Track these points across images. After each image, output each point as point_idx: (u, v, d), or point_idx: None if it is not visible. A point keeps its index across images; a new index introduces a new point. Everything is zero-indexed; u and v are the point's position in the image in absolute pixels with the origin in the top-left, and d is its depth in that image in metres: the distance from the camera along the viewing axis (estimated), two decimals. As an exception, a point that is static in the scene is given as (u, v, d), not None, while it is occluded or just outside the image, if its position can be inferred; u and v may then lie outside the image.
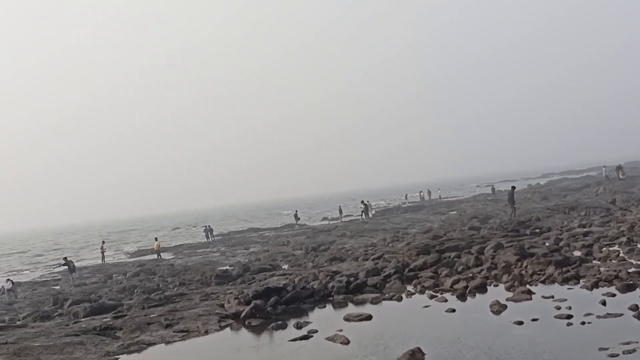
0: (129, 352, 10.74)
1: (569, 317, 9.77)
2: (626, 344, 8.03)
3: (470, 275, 14.51)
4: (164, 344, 11.16)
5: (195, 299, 15.89)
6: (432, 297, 12.86)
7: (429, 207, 55.70)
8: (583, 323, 9.38)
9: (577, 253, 15.82)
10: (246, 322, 12.26)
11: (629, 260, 13.99)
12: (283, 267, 24.28)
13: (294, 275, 18.29)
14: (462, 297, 12.56)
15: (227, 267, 25.69)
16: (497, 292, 12.53)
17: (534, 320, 9.86)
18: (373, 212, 55.43)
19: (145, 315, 13.49)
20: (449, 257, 17.01)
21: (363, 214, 48.34)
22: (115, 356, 10.54)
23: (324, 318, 12.13)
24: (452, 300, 12.36)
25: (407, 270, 16.00)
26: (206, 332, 11.71)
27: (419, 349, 8.57)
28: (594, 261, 14.59)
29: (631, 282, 11.59)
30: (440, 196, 73.51)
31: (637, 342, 8.04)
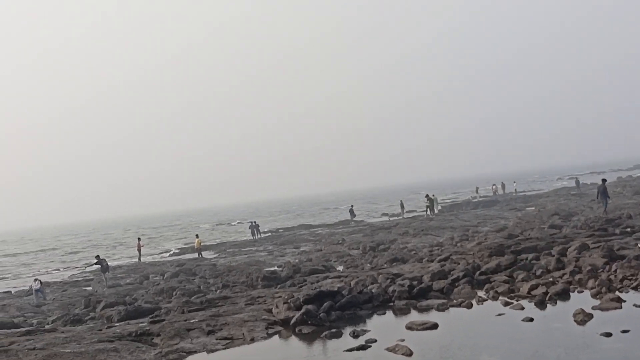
0: (168, 361, 10.97)
1: (668, 329, 9.45)
2: None
3: (551, 279, 14.21)
4: (205, 352, 11.33)
5: (240, 303, 16.13)
6: (506, 304, 12.66)
7: (503, 202, 55.34)
8: (684, 336, 9.06)
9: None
10: (296, 330, 12.33)
11: None
12: (338, 268, 24.43)
13: (350, 277, 18.34)
14: (541, 304, 12.29)
15: (275, 268, 26.05)
16: (582, 300, 12.21)
17: (624, 331, 9.55)
18: (439, 207, 55.16)
19: (185, 321, 13.72)
20: (526, 259, 16.72)
21: (428, 209, 48.20)
22: (153, 365, 10.79)
23: (384, 326, 12.09)
24: (530, 307, 12.12)
25: (477, 273, 15.81)
26: (252, 340, 11.83)
27: (491, 363, 8.46)
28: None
29: None
30: (515, 190, 72.98)
31: None
